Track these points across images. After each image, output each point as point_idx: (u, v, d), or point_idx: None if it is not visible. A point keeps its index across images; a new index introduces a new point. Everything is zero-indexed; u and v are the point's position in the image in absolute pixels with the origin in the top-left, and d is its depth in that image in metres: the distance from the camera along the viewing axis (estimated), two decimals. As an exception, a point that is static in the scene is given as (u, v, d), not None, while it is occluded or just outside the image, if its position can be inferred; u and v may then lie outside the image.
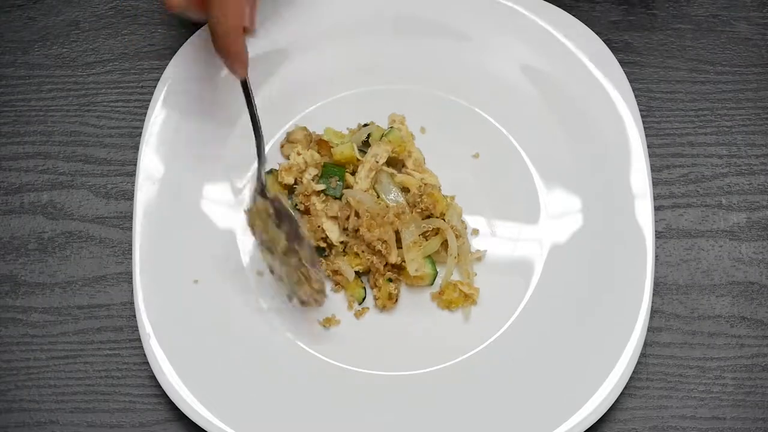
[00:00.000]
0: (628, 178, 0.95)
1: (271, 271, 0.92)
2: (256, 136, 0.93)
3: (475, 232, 0.96)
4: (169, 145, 0.96)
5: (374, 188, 0.96)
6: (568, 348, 0.91)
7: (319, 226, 0.94)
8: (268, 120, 0.98)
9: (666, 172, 0.99)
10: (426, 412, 0.90)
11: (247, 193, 0.96)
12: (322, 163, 0.96)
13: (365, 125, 0.98)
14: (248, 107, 0.93)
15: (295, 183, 0.96)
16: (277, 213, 0.90)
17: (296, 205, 0.95)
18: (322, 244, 0.94)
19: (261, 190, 0.91)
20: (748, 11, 1.04)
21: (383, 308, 0.94)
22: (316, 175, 0.95)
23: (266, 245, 0.91)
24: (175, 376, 0.89)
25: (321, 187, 0.95)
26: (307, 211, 0.95)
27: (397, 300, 0.94)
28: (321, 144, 0.97)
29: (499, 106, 0.99)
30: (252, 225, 0.92)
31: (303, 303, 0.91)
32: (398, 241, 0.93)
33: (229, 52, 0.89)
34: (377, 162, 0.95)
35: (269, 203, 0.91)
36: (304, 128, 0.99)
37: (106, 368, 0.93)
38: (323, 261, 0.94)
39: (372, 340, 0.93)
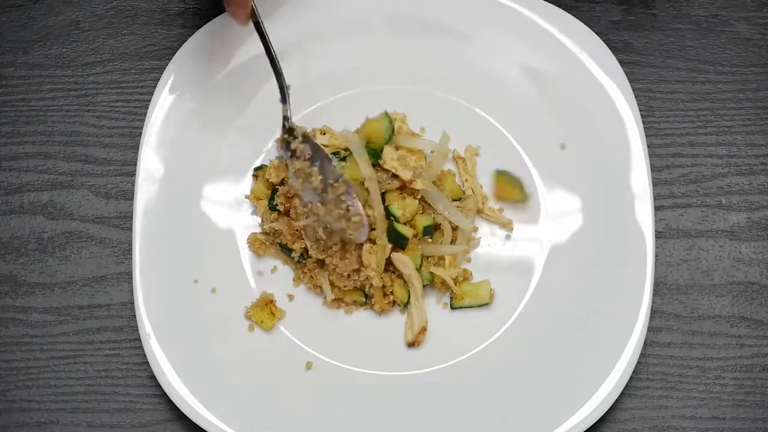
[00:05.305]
0: (628, 178, 0.95)
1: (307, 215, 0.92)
2: (276, 75, 0.93)
3: (475, 229, 0.96)
4: (169, 145, 0.96)
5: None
6: (568, 348, 0.91)
7: (297, 230, 0.94)
8: (268, 120, 0.98)
9: (666, 172, 0.99)
10: (426, 412, 0.90)
11: (248, 192, 0.97)
12: None
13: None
14: (265, 48, 0.93)
15: (282, 182, 0.95)
16: (311, 149, 0.92)
17: (277, 205, 0.95)
18: (299, 250, 0.94)
19: (289, 131, 0.93)
20: (748, 11, 1.04)
21: (381, 312, 0.94)
22: None
23: (303, 187, 0.91)
24: (175, 376, 0.89)
25: None
26: (287, 213, 0.95)
27: (394, 302, 0.94)
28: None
29: (499, 106, 0.99)
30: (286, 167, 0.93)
31: (343, 236, 0.90)
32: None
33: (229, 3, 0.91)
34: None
35: (299, 143, 0.92)
36: (302, 128, 0.98)
37: (106, 368, 0.94)
38: (305, 273, 0.94)
39: (372, 340, 0.93)
